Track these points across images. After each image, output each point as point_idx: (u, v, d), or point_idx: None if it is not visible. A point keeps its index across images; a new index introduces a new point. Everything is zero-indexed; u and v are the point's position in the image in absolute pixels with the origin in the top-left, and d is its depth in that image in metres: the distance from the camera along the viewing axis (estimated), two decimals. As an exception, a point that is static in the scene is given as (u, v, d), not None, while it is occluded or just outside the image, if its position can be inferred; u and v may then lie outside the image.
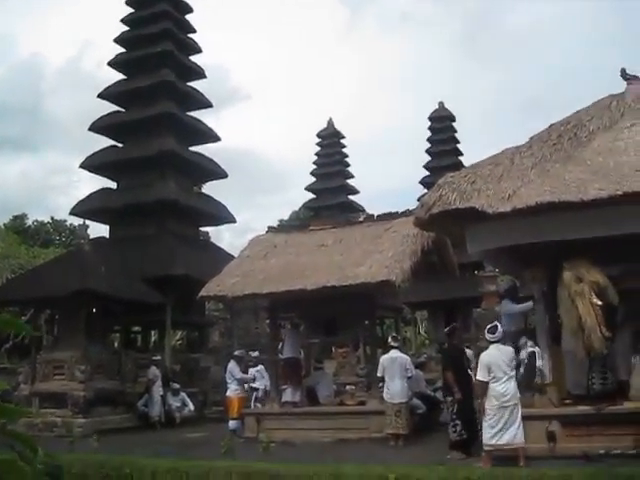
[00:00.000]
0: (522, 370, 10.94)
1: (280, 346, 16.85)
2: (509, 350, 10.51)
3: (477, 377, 10.51)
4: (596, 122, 12.19)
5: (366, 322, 16.46)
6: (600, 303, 10.14)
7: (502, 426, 10.01)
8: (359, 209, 43.43)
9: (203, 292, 15.73)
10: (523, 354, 10.92)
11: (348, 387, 16.80)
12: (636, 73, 13.69)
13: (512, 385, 10.13)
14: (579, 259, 10.49)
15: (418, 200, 17.62)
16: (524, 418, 10.34)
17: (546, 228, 10.41)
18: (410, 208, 15.66)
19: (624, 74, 13.69)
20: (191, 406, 20.05)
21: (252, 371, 17.62)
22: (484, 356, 10.50)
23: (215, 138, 28.10)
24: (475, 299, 23.98)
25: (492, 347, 10.46)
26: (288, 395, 15.55)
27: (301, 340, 17.32)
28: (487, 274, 24.22)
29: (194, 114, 27.59)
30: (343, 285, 13.81)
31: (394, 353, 13.54)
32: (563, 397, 10.88)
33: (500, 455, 9.99)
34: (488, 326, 10.83)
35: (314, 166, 44.30)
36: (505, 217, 10.37)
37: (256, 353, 18.58)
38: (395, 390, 13.20)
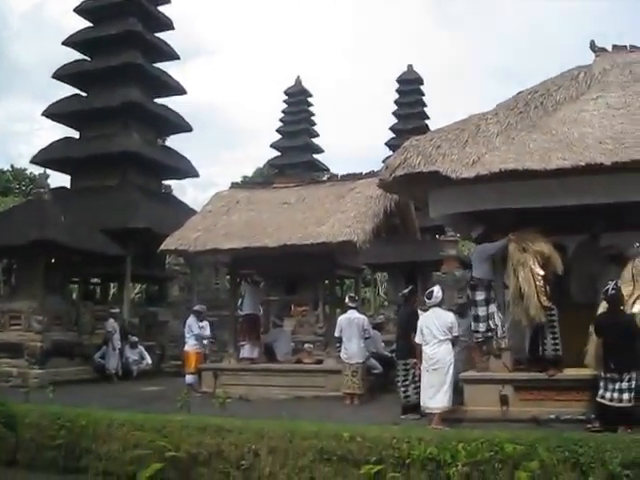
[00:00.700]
0: (492, 323, 10.95)
1: (240, 302, 16.87)
2: (446, 315, 10.54)
3: (415, 339, 10.73)
4: (563, 92, 12.26)
5: (326, 281, 16.55)
6: (542, 273, 10.33)
7: (430, 389, 10.18)
8: (323, 168, 43.47)
9: (164, 246, 15.64)
10: (493, 307, 10.96)
11: (306, 345, 16.86)
12: (605, 45, 13.83)
13: (442, 349, 10.21)
14: (526, 229, 10.68)
15: (383, 162, 17.63)
16: (478, 381, 10.57)
17: (509, 195, 10.47)
18: (375, 170, 15.70)
19: (593, 46, 13.81)
20: (148, 359, 20.06)
21: None
22: (419, 319, 10.80)
23: (181, 91, 27.65)
24: (435, 262, 24.20)
25: (430, 311, 10.65)
26: (246, 351, 15.60)
27: (261, 297, 17.33)
28: (448, 238, 24.50)
29: (160, 66, 27.12)
30: (304, 244, 13.82)
31: (351, 313, 13.56)
32: (518, 362, 11.07)
33: (452, 417, 10.17)
34: (427, 291, 11.00)
35: (280, 123, 44.03)
36: (468, 182, 10.41)
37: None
38: (352, 351, 13.27)
